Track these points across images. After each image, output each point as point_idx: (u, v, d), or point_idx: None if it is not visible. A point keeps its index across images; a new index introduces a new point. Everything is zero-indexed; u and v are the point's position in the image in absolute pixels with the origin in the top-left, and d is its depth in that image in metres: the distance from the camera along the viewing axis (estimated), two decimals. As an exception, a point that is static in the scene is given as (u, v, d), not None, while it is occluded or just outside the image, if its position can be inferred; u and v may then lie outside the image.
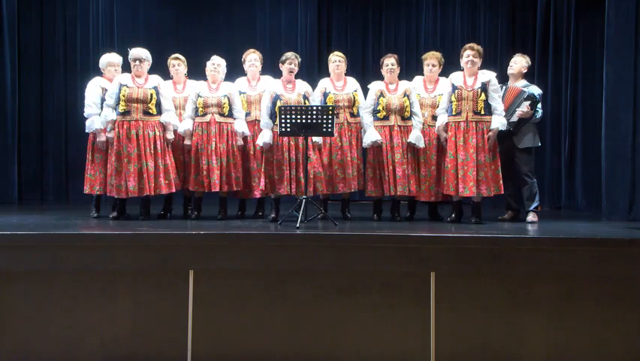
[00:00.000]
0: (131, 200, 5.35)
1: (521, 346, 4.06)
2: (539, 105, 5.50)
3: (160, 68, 5.66)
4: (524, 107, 5.36)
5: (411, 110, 5.34)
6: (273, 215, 5.19)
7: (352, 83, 5.56)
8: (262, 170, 5.26)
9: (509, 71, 5.61)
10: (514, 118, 5.36)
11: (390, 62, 5.43)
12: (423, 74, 5.63)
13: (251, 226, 4.88)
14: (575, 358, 4.04)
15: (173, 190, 5.32)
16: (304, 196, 4.86)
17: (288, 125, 4.84)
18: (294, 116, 4.83)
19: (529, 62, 5.67)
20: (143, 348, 4.07)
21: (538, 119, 5.55)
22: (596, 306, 4.03)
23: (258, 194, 5.52)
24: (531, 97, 5.38)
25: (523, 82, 5.57)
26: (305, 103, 5.23)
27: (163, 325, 4.08)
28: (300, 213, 4.75)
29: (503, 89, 5.48)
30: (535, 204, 5.46)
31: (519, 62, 5.58)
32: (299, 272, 4.11)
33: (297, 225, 4.61)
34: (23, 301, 4.06)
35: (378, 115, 5.37)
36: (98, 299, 4.08)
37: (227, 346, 4.09)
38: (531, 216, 5.41)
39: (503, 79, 5.71)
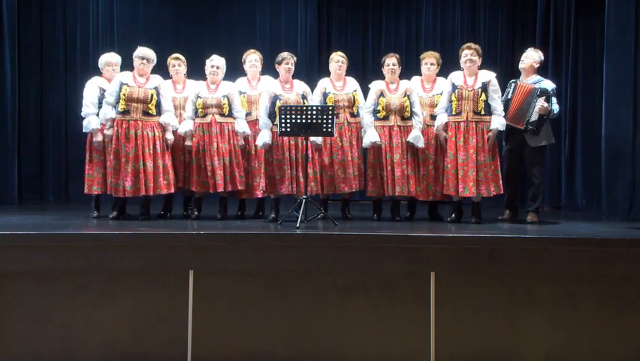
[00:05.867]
0: (131, 200, 5.34)
1: (521, 346, 4.06)
2: (554, 100, 5.34)
3: (160, 67, 5.65)
4: (541, 103, 5.19)
5: (411, 110, 5.32)
6: (273, 215, 5.18)
7: (352, 83, 5.55)
8: (262, 170, 5.26)
9: (520, 65, 5.47)
10: (535, 117, 5.21)
11: (391, 62, 5.42)
12: (421, 74, 5.62)
13: (251, 226, 4.89)
14: (575, 358, 4.05)
15: (172, 191, 5.31)
16: (304, 196, 4.86)
17: (288, 125, 4.84)
18: (294, 116, 4.83)
19: (542, 57, 5.49)
20: (143, 348, 4.07)
21: (556, 115, 5.40)
22: (596, 306, 4.04)
23: (259, 194, 5.51)
24: (544, 92, 5.22)
25: (536, 77, 5.42)
26: (304, 103, 5.23)
27: (163, 325, 4.08)
28: (300, 213, 4.75)
29: (512, 87, 5.39)
30: (536, 205, 5.43)
31: (530, 57, 5.42)
32: (299, 272, 4.11)
33: (297, 225, 4.61)
34: (23, 301, 4.06)
35: (378, 115, 5.36)
36: (98, 299, 4.08)
37: (228, 346, 4.09)
38: (531, 216, 5.40)
39: (503, 79, 5.69)
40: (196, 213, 5.43)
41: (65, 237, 4.14)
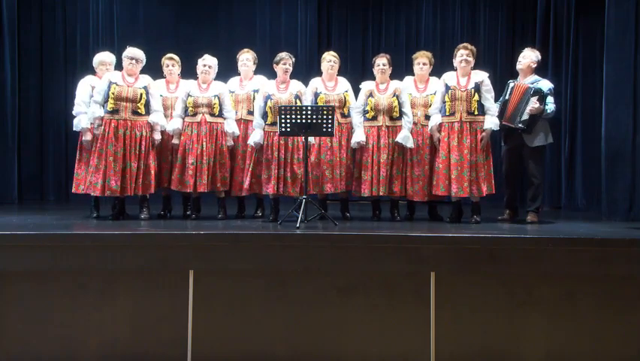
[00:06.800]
0: (131, 200, 5.34)
1: (521, 346, 4.06)
2: (550, 99, 5.32)
3: (159, 67, 5.65)
4: (533, 103, 5.19)
5: (401, 110, 5.30)
6: (273, 215, 5.18)
7: (343, 84, 5.54)
8: (249, 169, 5.25)
9: (518, 66, 5.47)
10: (525, 116, 5.21)
11: (381, 62, 5.41)
12: (413, 74, 5.60)
13: (251, 226, 4.89)
14: (575, 358, 4.05)
15: (152, 192, 5.25)
16: (304, 196, 4.86)
17: (288, 125, 4.84)
18: (294, 116, 4.83)
19: (539, 57, 5.48)
20: (143, 348, 4.07)
21: (550, 114, 5.34)
22: (596, 306, 4.04)
23: (244, 192, 5.48)
24: (538, 92, 5.23)
25: (533, 77, 5.41)
26: (297, 102, 5.21)
27: (163, 325, 4.08)
28: (300, 213, 4.75)
29: (510, 87, 5.40)
30: (536, 205, 5.43)
31: (528, 57, 5.41)
32: (299, 272, 4.11)
33: (297, 225, 4.61)
34: (23, 301, 4.06)
35: (367, 115, 5.35)
36: (98, 299, 4.08)
37: (228, 346, 4.09)
38: (531, 216, 5.39)
39: (503, 79, 5.68)
40: (195, 213, 5.41)
41: (65, 237, 4.14)
